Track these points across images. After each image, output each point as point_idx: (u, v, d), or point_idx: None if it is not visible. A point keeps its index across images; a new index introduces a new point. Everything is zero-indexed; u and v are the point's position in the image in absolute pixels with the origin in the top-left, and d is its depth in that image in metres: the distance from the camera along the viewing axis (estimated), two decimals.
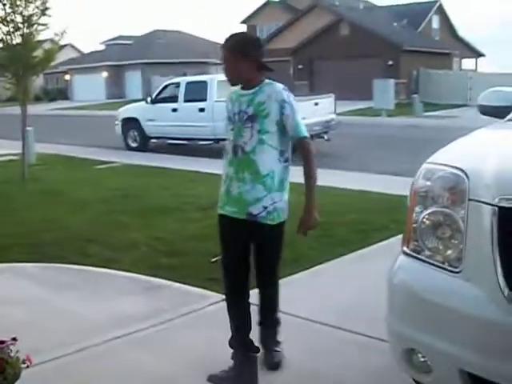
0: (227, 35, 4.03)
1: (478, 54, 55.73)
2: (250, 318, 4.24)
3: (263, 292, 4.27)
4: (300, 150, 4.07)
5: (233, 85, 4.10)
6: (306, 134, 4.06)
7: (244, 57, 3.93)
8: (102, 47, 64.49)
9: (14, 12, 11.69)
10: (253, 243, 4.12)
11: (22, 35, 11.88)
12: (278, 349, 4.29)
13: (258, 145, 3.94)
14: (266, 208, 3.94)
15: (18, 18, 11.77)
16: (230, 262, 4.14)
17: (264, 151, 3.94)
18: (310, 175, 4.05)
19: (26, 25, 11.82)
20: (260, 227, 3.98)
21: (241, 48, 3.96)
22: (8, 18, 11.73)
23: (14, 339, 3.56)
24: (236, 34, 4.13)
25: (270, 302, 4.31)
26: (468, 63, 54.11)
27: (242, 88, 4.05)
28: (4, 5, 11.66)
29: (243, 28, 54.84)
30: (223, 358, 4.18)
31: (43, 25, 12.04)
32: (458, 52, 49.27)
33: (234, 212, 4.03)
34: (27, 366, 3.52)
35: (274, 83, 4.03)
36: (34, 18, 11.86)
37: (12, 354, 3.49)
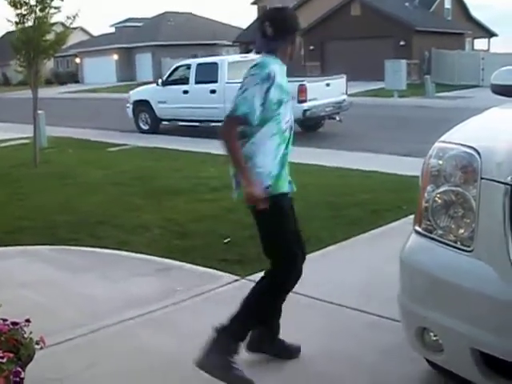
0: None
1: (490, 34, 55.22)
2: None
3: None
4: None
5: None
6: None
7: None
8: (112, 30, 64.47)
9: None
10: None
11: (34, 18, 11.87)
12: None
13: None
14: None
15: (32, 1, 11.76)
16: (294, 237, 3.94)
17: None
18: None
19: (39, 7, 11.80)
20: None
21: None
22: (22, 1, 11.72)
23: (28, 321, 3.59)
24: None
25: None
26: (481, 43, 53.67)
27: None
28: None
29: (254, 9, 54.62)
30: None
31: (56, 8, 12.03)
32: (471, 32, 48.84)
33: (292, 188, 3.95)
34: (41, 348, 3.55)
35: None
36: (48, 1, 11.84)
37: (26, 336, 3.52)
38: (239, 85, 3.76)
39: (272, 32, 3.74)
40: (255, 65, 3.71)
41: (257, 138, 3.71)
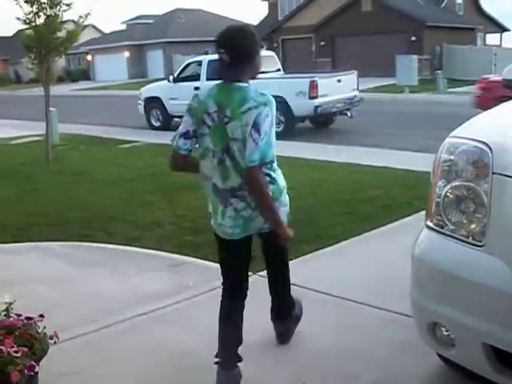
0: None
1: (502, 29, 54.90)
2: None
3: None
4: None
5: None
6: None
7: None
8: (123, 27, 64.46)
9: None
10: None
11: (46, 16, 11.92)
12: None
13: None
14: None
15: None
16: None
17: None
18: None
19: (50, 5, 11.84)
20: None
21: None
22: None
23: (42, 316, 3.63)
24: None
25: None
26: (492, 38, 53.35)
27: None
28: None
29: (264, 5, 54.51)
30: (246, 332, 4.21)
31: (67, 5, 12.08)
32: (482, 27, 48.59)
33: None
34: (55, 342, 3.59)
35: None
36: None
37: (40, 331, 3.55)
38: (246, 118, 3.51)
39: (231, 59, 3.63)
40: (264, 103, 3.50)
41: (275, 173, 3.67)
